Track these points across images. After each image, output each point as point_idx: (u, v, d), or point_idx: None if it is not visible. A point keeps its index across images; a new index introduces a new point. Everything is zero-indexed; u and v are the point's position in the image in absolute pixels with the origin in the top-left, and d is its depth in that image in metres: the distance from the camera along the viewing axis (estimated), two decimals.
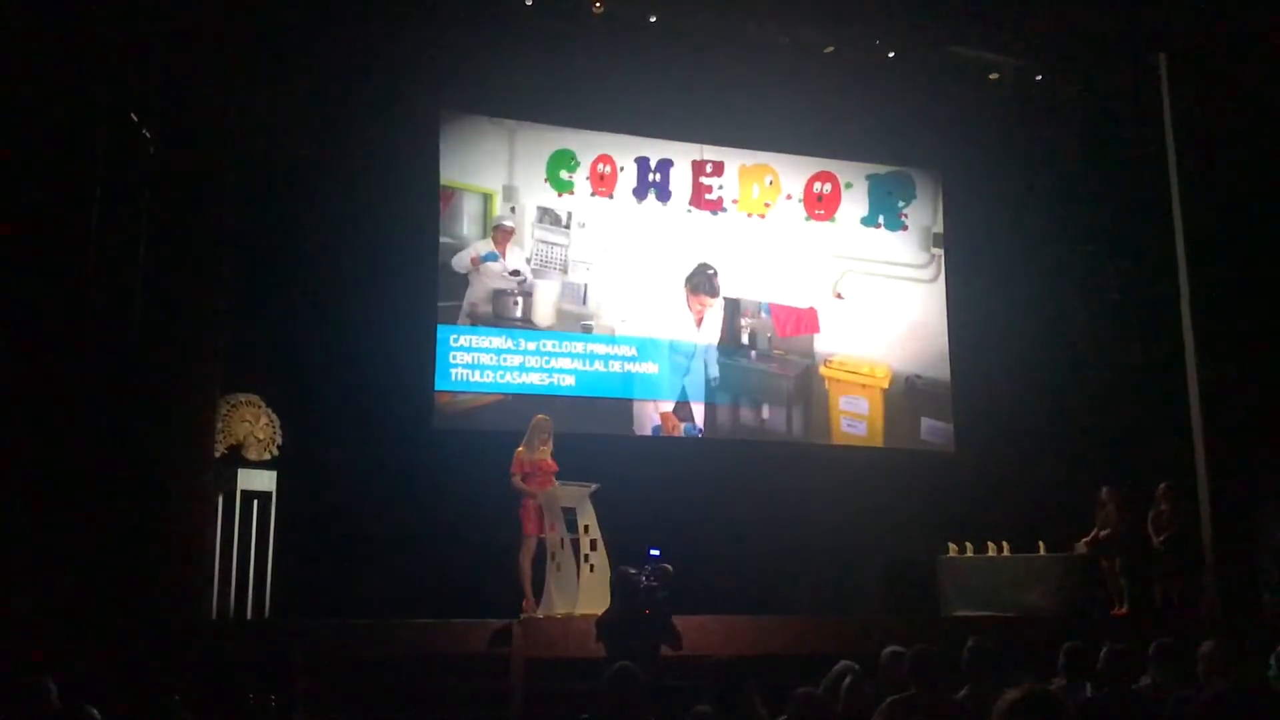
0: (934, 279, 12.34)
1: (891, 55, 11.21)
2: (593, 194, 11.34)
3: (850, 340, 11.89)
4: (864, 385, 11.87)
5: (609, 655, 6.30)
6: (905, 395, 11.98)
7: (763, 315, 11.67)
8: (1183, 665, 5.37)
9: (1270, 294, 10.71)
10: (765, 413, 11.52)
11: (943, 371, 12.08)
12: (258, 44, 9.25)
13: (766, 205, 11.90)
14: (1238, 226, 10.85)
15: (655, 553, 7.82)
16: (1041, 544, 10.38)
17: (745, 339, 11.57)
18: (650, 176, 11.56)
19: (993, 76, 11.62)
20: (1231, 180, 10.89)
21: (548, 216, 11.17)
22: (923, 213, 12.42)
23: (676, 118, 11.44)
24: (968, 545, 10.72)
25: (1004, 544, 10.53)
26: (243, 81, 8.94)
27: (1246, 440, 10.30)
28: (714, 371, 11.36)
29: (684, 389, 11.25)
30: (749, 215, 11.84)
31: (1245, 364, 10.46)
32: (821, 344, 11.80)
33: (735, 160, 11.84)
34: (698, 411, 11.26)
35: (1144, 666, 5.36)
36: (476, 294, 10.79)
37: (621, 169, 11.47)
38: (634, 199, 11.48)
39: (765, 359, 11.59)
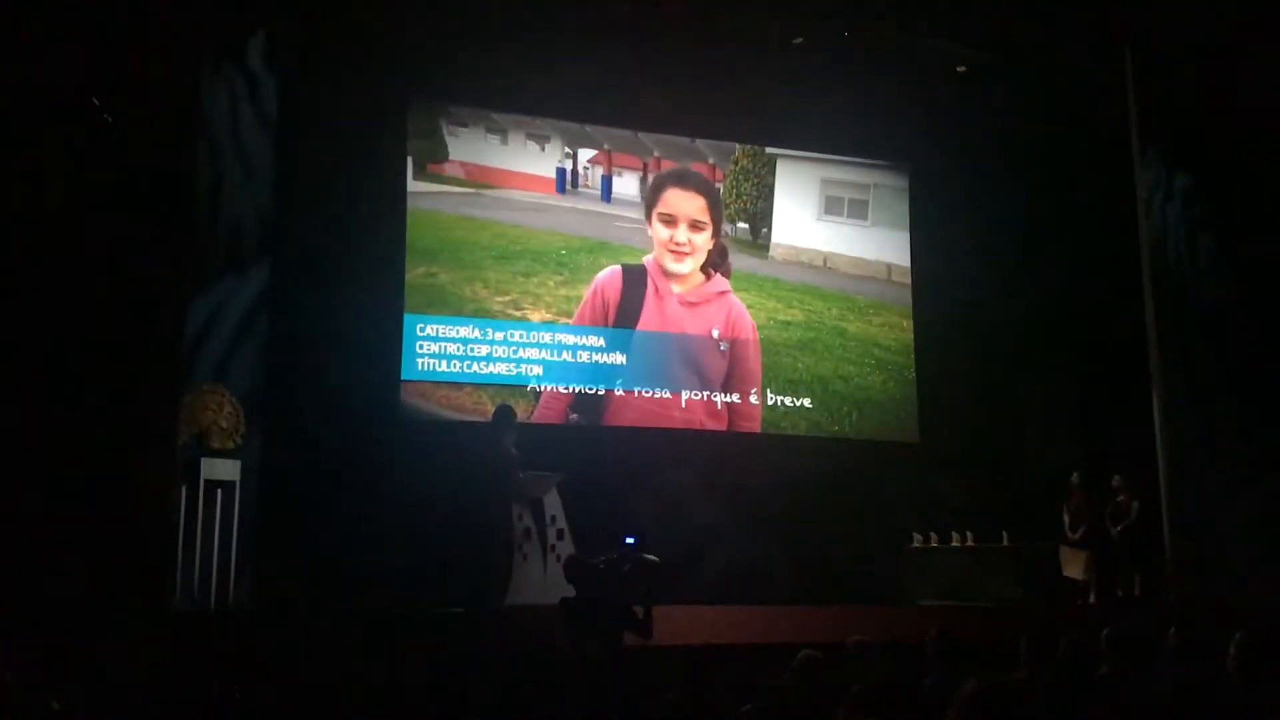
0: (904, 269, 12.44)
1: (860, 48, 11.24)
2: (571, 184, 11.46)
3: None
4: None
5: (570, 642, 6.31)
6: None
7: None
8: (1141, 654, 5.43)
9: (1232, 286, 10.87)
10: (735, 398, 11.50)
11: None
12: (222, 26, 9.13)
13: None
14: (1201, 219, 11.00)
15: (631, 540, 7.77)
16: (1005, 534, 10.49)
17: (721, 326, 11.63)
18: (616, 167, 11.67)
19: (960, 69, 11.67)
20: (1196, 173, 11.03)
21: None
22: (894, 203, 12.50)
23: (647, 109, 11.46)
24: (932, 535, 10.82)
25: (967, 534, 10.63)
26: (209, 66, 8.85)
27: (1206, 429, 10.45)
28: (695, 357, 11.38)
29: (662, 377, 11.25)
30: None
31: (1206, 352, 10.62)
32: None
33: (708, 150, 12.00)
34: (675, 400, 11.24)
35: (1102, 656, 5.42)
36: None
37: (591, 158, 11.56)
38: (603, 188, 11.57)
39: (743, 345, 11.61)
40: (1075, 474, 10.52)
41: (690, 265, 11.51)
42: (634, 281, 11.39)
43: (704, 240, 11.55)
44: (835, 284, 12.19)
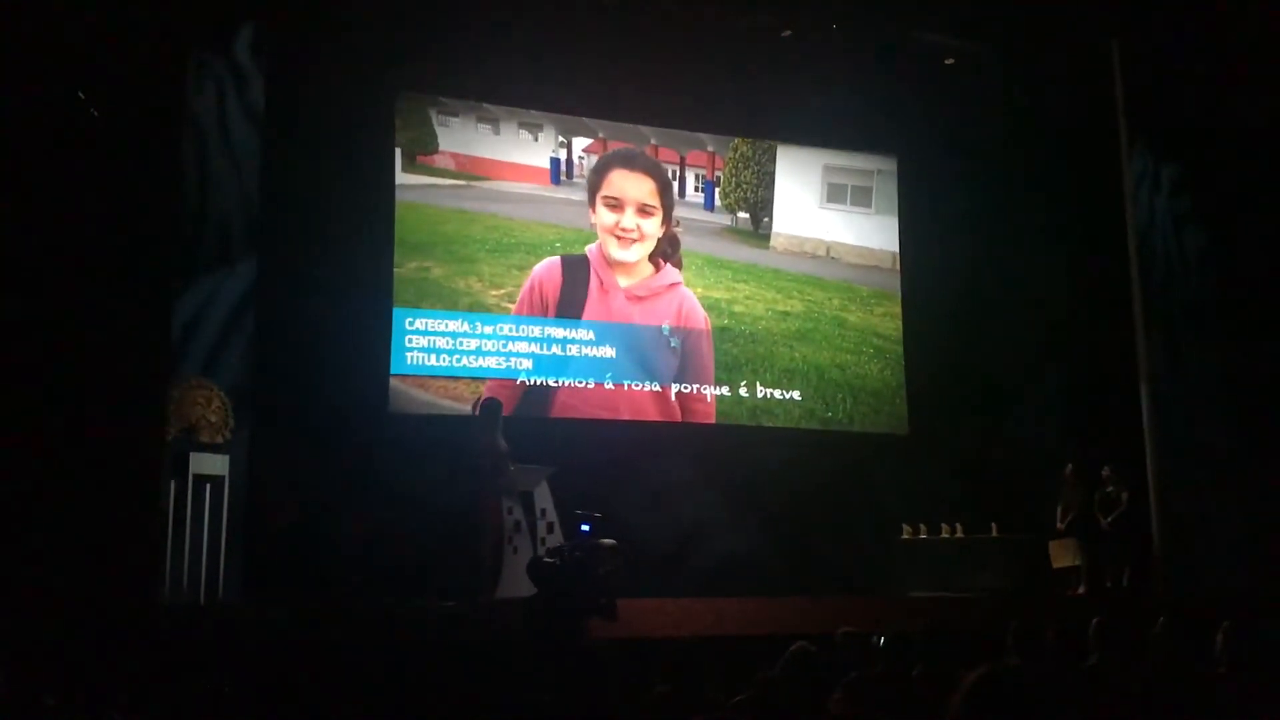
0: (895, 258, 12.36)
1: (848, 40, 11.23)
2: (565, 174, 11.27)
3: None
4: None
5: (531, 637, 6.35)
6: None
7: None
8: (1129, 644, 5.46)
9: (1219, 277, 10.92)
10: (724, 389, 11.41)
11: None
12: (208, 19, 9.08)
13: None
14: (1189, 211, 11.05)
15: (586, 528, 7.82)
16: (993, 526, 10.53)
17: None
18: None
19: (948, 61, 11.67)
20: (1183, 165, 11.08)
21: None
22: (884, 194, 12.38)
23: (633, 101, 11.37)
24: (922, 527, 10.85)
25: (957, 526, 10.67)
26: (195, 59, 8.81)
27: (1194, 420, 10.51)
28: (642, 355, 11.12)
29: (647, 371, 11.09)
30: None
31: (1194, 343, 10.68)
32: None
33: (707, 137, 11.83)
34: (662, 392, 11.10)
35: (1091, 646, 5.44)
36: None
37: (586, 147, 11.37)
38: (589, 180, 11.32)
39: (696, 339, 11.39)
40: (1069, 465, 10.56)
41: (638, 253, 11.06)
42: (575, 274, 10.93)
43: (653, 227, 11.12)
44: (838, 274, 12.04)
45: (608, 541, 6.99)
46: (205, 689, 6.06)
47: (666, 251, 11.23)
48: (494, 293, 10.83)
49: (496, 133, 11.21)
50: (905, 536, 10.90)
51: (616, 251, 11.06)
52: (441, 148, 10.99)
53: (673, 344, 11.20)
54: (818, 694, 4.53)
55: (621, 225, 11.05)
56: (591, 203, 11.20)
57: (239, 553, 8.71)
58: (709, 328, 11.39)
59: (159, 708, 5.24)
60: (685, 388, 11.21)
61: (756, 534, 10.83)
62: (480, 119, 11.17)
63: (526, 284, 10.89)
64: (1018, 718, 2.23)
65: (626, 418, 10.99)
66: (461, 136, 11.10)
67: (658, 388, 11.11)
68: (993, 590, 9.93)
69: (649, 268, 11.21)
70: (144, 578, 7.77)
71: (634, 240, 11.09)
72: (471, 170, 11.07)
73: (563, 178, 11.31)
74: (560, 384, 10.82)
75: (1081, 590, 10.12)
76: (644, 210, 11.18)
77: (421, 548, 9.10)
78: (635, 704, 4.50)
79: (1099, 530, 10.21)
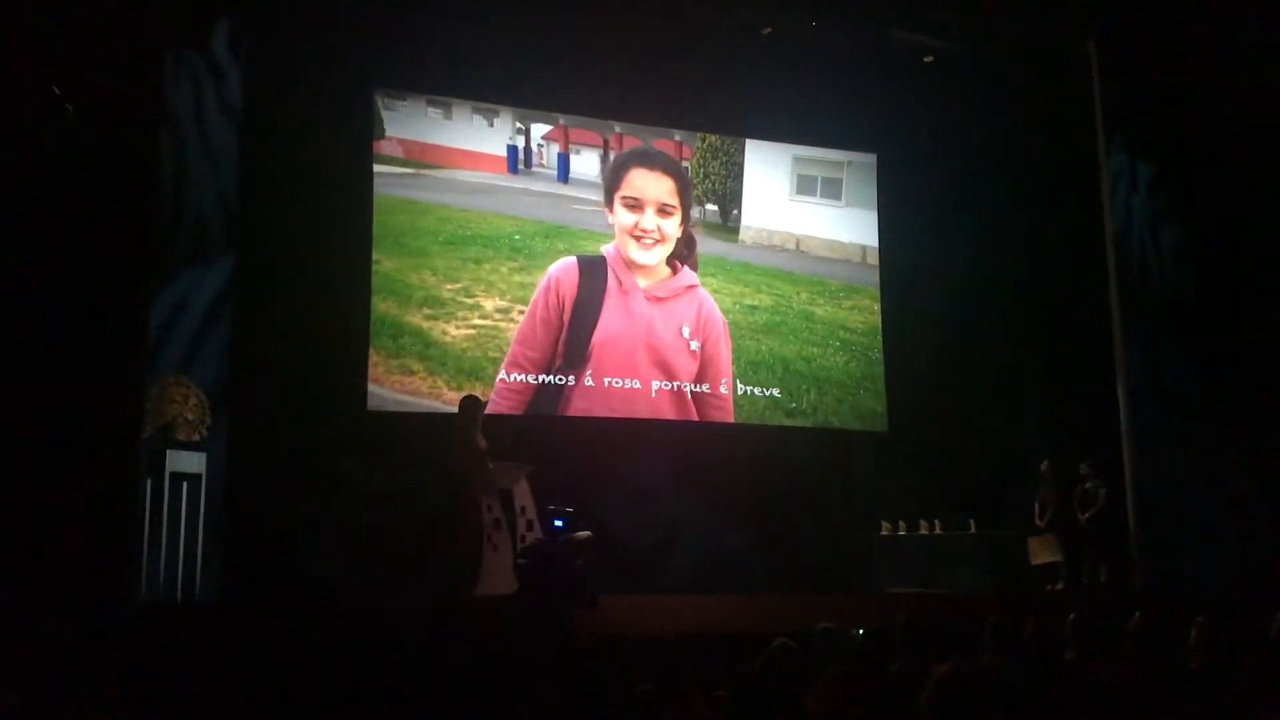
0: (865, 251, 12.30)
1: (828, 38, 11.24)
2: (524, 163, 11.07)
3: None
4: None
5: (513, 638, 6.36)
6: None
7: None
8: (1105, 638, 5.50)
9: (1195, 276, 11.00)
10: (706, 388, 11.30)
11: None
12: (185, 14, 9.02)
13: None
14: (1165, 209, 11.12)
15: (559, 523, 7.83)
16: (972, 523, 10.58)
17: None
18: (574, 144, 11.28)
19: (928, 59, 11.71)
20: (1160, 164, 11.15)
21: None
22: (868, 183, 12.32)
23: (612, 98, 11.30)
24: (901, 524, 10.89)
25: (935, 522, 10.71)
26: (172, 54, 8.75)
27: (1170, 417, 10.58)
28: (664, 358, 11.05)
29: (665, 372, 10.99)
30: None
31: (1170, 341, 10.76)
32: None
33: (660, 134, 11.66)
34: (680, 393, 11.00)
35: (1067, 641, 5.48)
36: None
37: (546, 134, 11.17)
38: (559, 167, 11.19)
39: (714, 344, 11.32)
40: (1045, 462, 10.62)
41: (659, 255, 10.94)
42: (592, 275, 10.75)
43: (673, 227, 10.99)
44: (808, 268, 11.93)
45: (581, 534, 6.99)
46: (182, 687, 6.03)
47: (683, 253, 11.11)
48: (449, 287, 10.51)
49: (448, 118, 10.83)
50: (884, 533, 10.94)
51: (637, 254, 10.92)
52: (388, 134, 10.60)
53: (693, 346, 11.09)
54: (797, 689, 4.53)
55: (641, 226, 10.90)
56: (609, 202, 11.03)
57: (216, 551, 8.66)
58: (728, 331, 11.31)
59: (136, 706, 5.22)
60: (701, 388, 11.09)
61: (737, 531, 10.84)
62: (430, 103, 10.77)
63: (542, 284, 10.67)
64: (984, 712, 2.25)
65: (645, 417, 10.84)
66: (410, 122, 10.70)
67: (676, 388, 10.99)
68: (972, 586, 9.97)
69: (666, 269, 11.08)
70: (121, 576, 7.72)
71: (655, 241, 10.95)
72: (421, 158, 10.68)
73: (521, 166, 11.01)
74: (574, 384, 10.67)
75: (1060, 586, 10.18)
76: (663, 210, 11.04)
77: (400, 546, 9.07)
78: (617, 701, 4.50)
79: (1077, 526, 10.27)
